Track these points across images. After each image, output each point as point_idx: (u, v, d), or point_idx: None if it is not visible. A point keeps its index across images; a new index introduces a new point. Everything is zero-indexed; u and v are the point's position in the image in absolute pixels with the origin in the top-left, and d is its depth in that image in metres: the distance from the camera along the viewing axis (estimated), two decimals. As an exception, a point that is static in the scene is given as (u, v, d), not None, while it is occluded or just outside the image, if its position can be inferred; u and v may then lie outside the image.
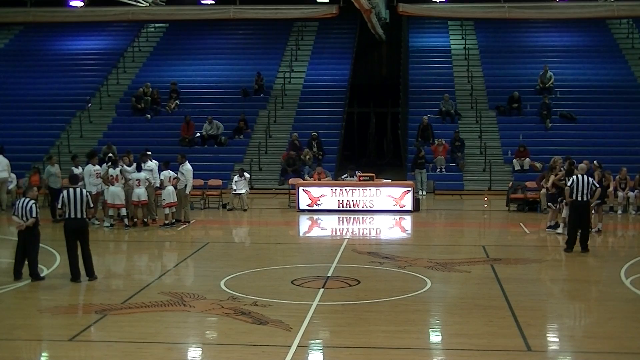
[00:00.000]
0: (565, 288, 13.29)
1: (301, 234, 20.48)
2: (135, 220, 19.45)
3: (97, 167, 19.89)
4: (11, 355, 9.24)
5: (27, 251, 12.94)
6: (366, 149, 36.99)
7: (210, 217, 22.06)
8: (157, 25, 37.33)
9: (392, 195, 22.24)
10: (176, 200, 19.48)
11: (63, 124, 30.47)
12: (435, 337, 10.29)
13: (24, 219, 12.77)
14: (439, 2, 34.48)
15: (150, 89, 31.16)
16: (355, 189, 22.33)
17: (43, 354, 9.63)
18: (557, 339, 10.17)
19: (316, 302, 11.40)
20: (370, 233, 20.19)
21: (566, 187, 15.88)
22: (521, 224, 19.92)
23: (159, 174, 19.82)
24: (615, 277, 13.37)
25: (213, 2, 33.52)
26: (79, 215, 12.95)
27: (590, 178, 15.95)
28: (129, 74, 33.88)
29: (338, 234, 20.14)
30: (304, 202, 22.41)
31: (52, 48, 36.05)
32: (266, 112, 30.55)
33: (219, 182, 24.40)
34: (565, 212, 17.52)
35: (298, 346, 9.35)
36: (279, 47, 35.10)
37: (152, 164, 20.15)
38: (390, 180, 23.41)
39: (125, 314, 10.88)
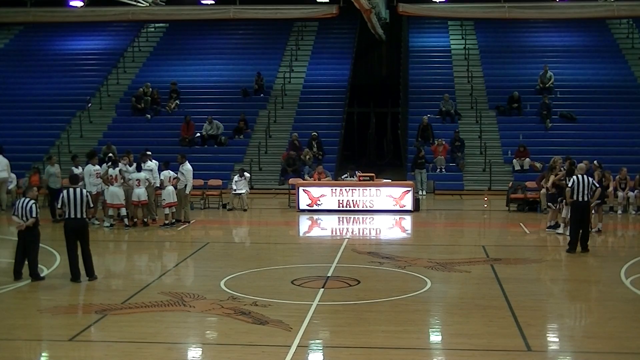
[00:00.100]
0: (565, 288, 13.29)
1: (301, 234, 20.48)
2: (135, 220, 19.46)
3: (97, 167, 19.89)
4: (11, 355, 9.24)
5: (27, 251, 12.94)
6: (366, 149, 37.00)
7: (210, 217, 22.06)
8: (157, 25, 37.33)
9: (392, 195, 22.24)
10: (176, 200, 19.49)
11: (63, 124, 30.47)
12: (435, 337, 10.29)
13: (24, 219, 12.77)
14: (439, 2, 34.48)
15: (150, 89, 31.17)
16: (355, 189, 22.33)
17: (43, 354, 9.63)
18: (557, 339, 10.17)
19: (316, 302, 11.40)
20: (370, 233, 20.19)
21: (567, 188, 15.87)
22: (521, 224, 19.92)
23: (159, 174, 19.82)
24: (615, 277, 13.36)
25: (213, 2, 33.51)
26: (79, 215, 12.95)
27: (590, 178, 15.95)
28: (129, 74, 33.88)
29: (338, 234, 20.14)
30: (304, 202, 22.41)
31: (52, 48, 36.04)
32: (266, 112, 30.55)
33: (219, 182, 24.40)
34: (564, 212, 17.53)
35: (298, 346, 9.35)
36: (279, 47, 35.10)
37: (152, 164, 20.15)
38: (390, 180, 23.41)
39: (125, 314, 10.88)
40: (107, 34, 36.86)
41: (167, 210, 19.38)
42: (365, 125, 37.10)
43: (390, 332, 10.03)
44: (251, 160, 27.68)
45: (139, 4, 32.89)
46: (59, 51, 35.81)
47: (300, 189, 22.56)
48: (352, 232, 19.97)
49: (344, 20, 34.34)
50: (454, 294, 12.29)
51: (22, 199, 13.05)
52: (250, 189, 23.96)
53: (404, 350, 9.38)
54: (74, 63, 34.85)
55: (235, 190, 22.85)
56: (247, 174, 23.40)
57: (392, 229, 20.29)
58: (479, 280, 13.17)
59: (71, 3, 33.00)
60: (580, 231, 15.59)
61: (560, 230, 17.82)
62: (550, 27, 35.27)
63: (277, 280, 13.22)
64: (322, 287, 12.42)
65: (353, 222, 21.22)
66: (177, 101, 31.27)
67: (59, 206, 13.41)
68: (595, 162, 19.41)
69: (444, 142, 27.40)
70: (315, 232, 20.71)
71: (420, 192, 25.28)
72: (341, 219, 21.64)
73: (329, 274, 13.49)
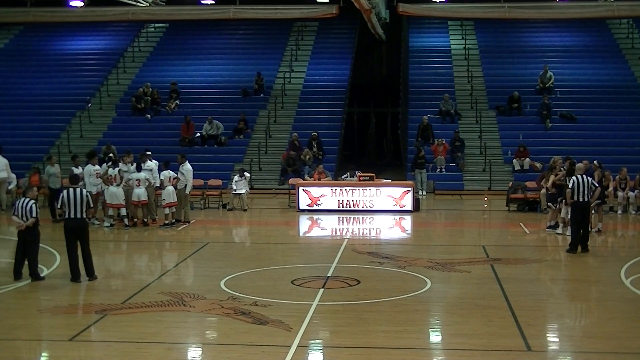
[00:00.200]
0: (565, 288, 13.29)
1: (301, 234, 20.48)
2: (135, 220, 19.46)
3: (97, 167, 19.90)
4: (11, 355, 9.24)
5: (27, 251, 12.94)
6: (366, 149, 37.00)
7: (210, 217, 22.06)
8: (157, 25, 37.33)
9: (392, 195, 22.25)
10: (176, 200, 19.49)
11: (63, 124, 30.47)
12: (435, 337, 10.29)
13: (24, 219, 12.77)
14: (439, 2, 34.48)
15: (150, 89, 31.17)
16: (355, 189, 22.33)
17: (43, 354, 9.63)
18: (557, 339, 10.17)
19: (316, 302, 11.40)
20: (370, 233, 20.18)
21: (567, 189, 15.85)
22: (521, 224, 19.92)
23: (159, 174, 19.82)
24: (615, 277, 13.36)
25: (213, 2, 33.52)
26: (78, 215, 12.95)
27: (589, 178, 15.95)
28: (129, 74, 33.88)
29: (338, 234, 20.14)
30: (304, 202, 22.41)
31: (52, 48, 36.05)
32: (266, 112, 30.56)
33: (219, 182, 24.40)
34: (563, 212, 17.53)
35: (298, 346, 9.35)
36: (279, 47, 35.10)
37: (152, 164, 20.16)
38: (390, 180, 23.41)
39: (125, 314, 10.88)
40: (107, 34, 36.86)
41: (167, 210, 19.38)
42: (365, 125, 37.08)
43: (390, 332, 10.03)
44: (251, 160, 27.67)
45: (139, 4, 32.90)
46: (59, 51, 35.81)
47: (300, 189, 22.56)
48: (352, 232, 19.97)
49: (344, 20, 34.35)
50: (454, 294, 12.29)
51: (22, 199, 13.05)
52: (250, 189, 23.96)
53: (404, 350, 9.38)
54: (74, 63, 34.85)
55: (235, 190, 22.85)
56: (247, 174, 23.39)
57: (392, 229, 20.29)
58: (479, 280, 13.17)
59: (71, 3, 33.02)
60: (581, 231, 15.59)
61: (559, 230, 17.83)
62: (550, 27, 35.28)
63: (277, 280, 13.21)
64: (322, 287, 12.42)
65: (353, 222, 21.22)
66: (177, 101, 31.27)
67: (58, 206, 13.41)
68: (595, 162, 19.41)
69: (444, 142, 27.40)
70: (315, 232, 20.71)
71: (420, 192, 25.28)
72: (341, 219, 21.64)
73: (329, 274, 13.49)
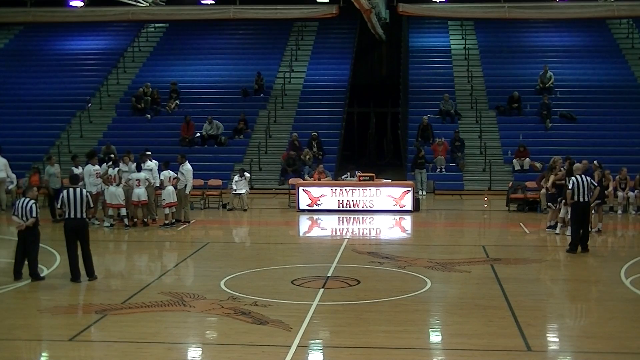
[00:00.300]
0: (565, 288, 13.29)
1: (301, 234, 20.48)
2: (135, 220, 19.46)
3: (97, 167, 19.89)
4: (11, 355, 9.24)
5: (27, 251, 12.94)
6: (366, 149, 36.99)
7: (210, 217, 22.06)
8: (157, 25, 37.34)
9: (392, 195, 22.25)
10: (176, 200, 19.49)
11: (63, 124, 30.47)
12: (435, 337, 10.29)
13: (24, 219, 12.78)
14: (439, 2, 34.48)
15: (150, 89, 31.17)
16: (355, 189, 22.33)
17: (43, 354, 9.63)
18: (557, 339, 10.17)
19: (316, 302, 11.40)
20: (370, 233, 20.18)
21: (568, 190, 15.84)
22: (521, 224, 19.92)
23: (159, 174, 19.83)
24: (615, 277, 13.36)
25: (213, 2, 33.52)
26: (78, 215, 12.95)
27: (588, 177, 15.94)
28: (129, 74, 33.88)
29: (338, 234, 20.14)
30: (304, 202, 22.41)
31: (52, 48, 36.05)
32: (266, 112, 30.56)
33: (219, 182, 24.40)
34: (563, 212, 17.53)
35: (298, 346, 9.35)
36: (279, 47, 35.10)
37: (152, 164, 20.16)
38: (390, 180, 23.41)
39: (125, 314, 10.88)
40: (107, 34, 36.86)
41: (167, 210, 19.38)
42: (365, 125, 37.08)
43: (390, 332, 10.03)
44: (251, 160, 27.67)
45: (139, 4, 32.90)
46: (59, 51, 35.81)
47: (300, 189, 22.56)
48: (352, 232, 19.97)
49: (344, 20, 34.34)
50: (454, 294, 12.29)
51: (22, 199, 13.05)
52: (250, 189, 23.96)
53: (404, 350, 9.38)
54: (74, 63, 34.86)
55: (235, 190, 22.85)
56: (247, 174, 23.39)
57: (392, 229, 20.29)
58: (479, 280, 13.17)
59: (71, 3, 33.02)
60: (581, 231, 15.59)
61: (557, 230, 17.82)
62: (550, 27, 35.28)
63: (277, 280, 13.21)
64: (322, 287, 12.42)
65: (353, 222, 21.22)
66: (177, 101, 31.27)
67: (58, 206, 13.41)
68: (595, 162, 19.41)
69: (443, 141, 27.40)
70: (315, 232, 20.71)
71: (420, 192, 25.29)
72: (341, 219, 21.64)
73: (329, 274, 13.49)
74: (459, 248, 17.04)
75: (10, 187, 22.99)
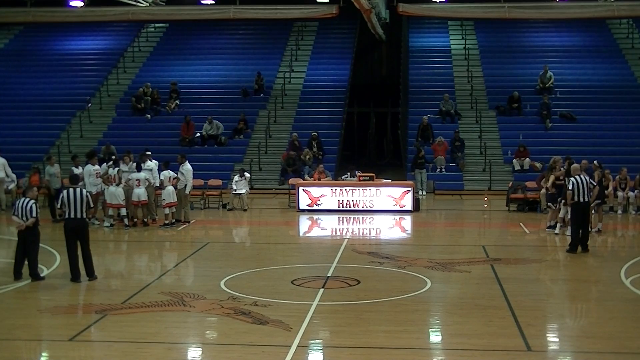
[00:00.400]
0: (565, 288, 13.29)
1: (301, 234, 20.48)
2: (135, 220, 19.46)
3: (97, 167, 19.89)
4: (11, 355, 9.24)
5: (27, 251, 12.94)
6: (366, 149, 37.00)
7: (210, 217, 22.06)
8: (157, 25, 37.34)
9: (392, 195, 22.25)
10: (176, 200, 19.49)
11: (63, 124, 30.47)
12: (435, 337, 10.29)
13: (24, 219, 12.78)
14: (439, 2, 34.48)
15: (150, 89, 31.17)
16: (355, 189, 22.33)
17: (43, 354, 9.63)
18: (557, 339, 10.17)
19: (316, 302, 11.40)
20: (370, 233, 20.18)
21: (568, 191, 15.83)
22: (521, 224, 19.92)
23: (159, 174, 19.83)
24: (615, 277, 13.36)
25: (213, 2, 33.52)
26: (78, 215, 12.95)
27: (587, 177, 15.94)
28: (129, 74, 33.88)
29: (338, 234, 20.14)
30: (304, 202, 22.41)
31: (52, 48, 36.05)
32: (266, 112, 30.56)
33: (219, 182, 24.40)
34: (562, 212, 17.53)
35: (298, 346, 9.35)
36: (279, 47, 35.10)
37: (152, 164, 20.16)
38: (390, 180, 23.40)
39: (125, 314, 10.88)
40: (107, 34, 36.86)
41: (167, 210, 19.39)
42: (365, 125, 37.10)
43: (390, 332, 10.03)
44: (251, 160, 27.68)
45: (139, 4, 32.90)
46: (59, 51, 35.81)
47: (300, 189, 22.56)
48: (352, 232, 19.97)
49: (344, 20, 34.34)
50: (454, 294, 12.29)
51: (22, 199, 13.06)
52: (250, 189, 23.96)
53: (404, 350, 9.38)
54: (74, 63, 34.86)
55: (235, 190, 22.85)
56: (247, 174, 23.39)
57: (392, 229, 20.29)
58: (479, 280, 13.17)
59: (71, 3, 33.03)
60: (581, 231, 15.58)
61: (557, 230, 17.82)
62: (550, 27, 35.28)
63: (277, 280, 13.21)
64: (322, 287, 12.42)
65: (353, 222, 21.22)
66: (177, 101, 31.27)
67: (58, 206, 13.41)
68: (595, 162, 19.40)
69: (443, 140, 27.40)
70: (315, 232, 20.71)
71: (420, 192, 25.29)
72: (341, 219, 21.64)
73: (329, 274, 13.49)
74: (459, 248, 17.04)
75: (10, 187, 22.99)
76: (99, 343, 9.84)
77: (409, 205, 22.09)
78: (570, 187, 15.65)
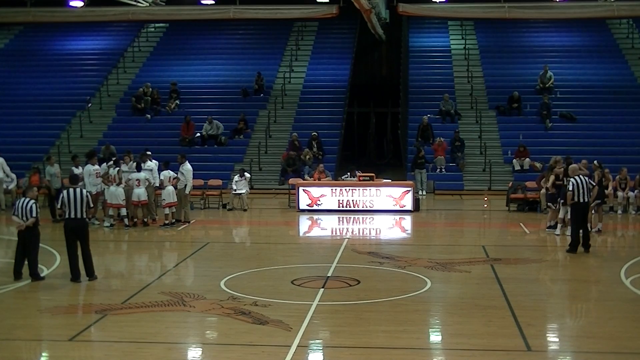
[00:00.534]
0: (565, 288, 13.29)
1: (301, 234, 20.48)
2: (135, 220, 19.46)
3: (97, 167, 19.88)
4: (11, 355, 9.24)
5: (27, 251, 12.94)
6: (366, 149, 36.99)
7: (210, 217, 22.06)
8: (157, 25, 37.34)
9: (392, 195, 22.25)
10: (176, 200, 19.49)
11: (63, 124, 30.47)
12: (435, 337, 10.29)
13: (24, 219, 12.77)
14: (439, 2, 34.48)
15: (150, 89, 31.17)
16: (355, 189, 22.33)
17: (43, 354, 9.63)
18: (557, 339, 10.17)
19: (316, 302, 11.40)
20: (370, 233, 20.18)
21: (568, 192, 15.82)
22: (521, 224, 19.92)
23: (159, 174, 19.83)
24: (615, 277, 13.36)
25: (213, 2, 33.51)
26: (78, 215, 12.95)
27: (586, 178, 15.94)
28: (129, 74, 33.88)
29: (338, 234, 20.14)
30: (304, 202, 22.41)
31: (52, 48, 36.05)
32: (266, 112, 30.56)
33: (219, 182, 24.40)
34: (562, 212, 17.53)
35: (298, 346, 9.35)
36: (279, 47, 35.10)
37: (152, 164, 20.16)
38: (390, 180, 23.41)
39: (125, 314, 10.88)
40: (107, 34, 36.86)
41: (167, 210, 19.39)
42: (365, 125, 37.08)
43: (390, 332, 10.03)
44: (251, 160, 27.68)
45: (139, 4, 32.90)
46: (59, 51, 35.81)
47: (300, 189, 22.56)
48: (352, 232, 19.97)
49: (344, 20, 34.34)
50: (454, 294, 12.29)
51: (22, 199, 13.05)
52: (250, 189, 23.96)
53: (404, 350, 9.38)
54: (74, 63, 34.85)
55: (235, 190, 22.85)
56: (247, 174, 23.39)
57: (392, 229, 20.29)
58: (479, 280, 13.17)
59: (71, 3, 33.02)
60: (582, 232, 15.58)
61: (557, 230, 17.81)
62: (550, 27, 35.28)
63: (277, 280, 13.21)
64: (322, 287, 12.42)
65: (353, 222, 21.22)
66: (177, 101, 31.27)
67: (58, 206, 13.40)
68: (595, 162, 19.41)
69: (442, 140, 27.40)
70: (315, 232, 20.71)
71: (420, 192, 25.29)
72: (341, 219, 21.64)
73: (329, 274, 13.49)
74: (459, 248, 17.04)
75: (10, 187, 22.99)
76: (99, 343, 9.84)
77: (409, 205, 22.09)
78: (570, 188, 15.64)
